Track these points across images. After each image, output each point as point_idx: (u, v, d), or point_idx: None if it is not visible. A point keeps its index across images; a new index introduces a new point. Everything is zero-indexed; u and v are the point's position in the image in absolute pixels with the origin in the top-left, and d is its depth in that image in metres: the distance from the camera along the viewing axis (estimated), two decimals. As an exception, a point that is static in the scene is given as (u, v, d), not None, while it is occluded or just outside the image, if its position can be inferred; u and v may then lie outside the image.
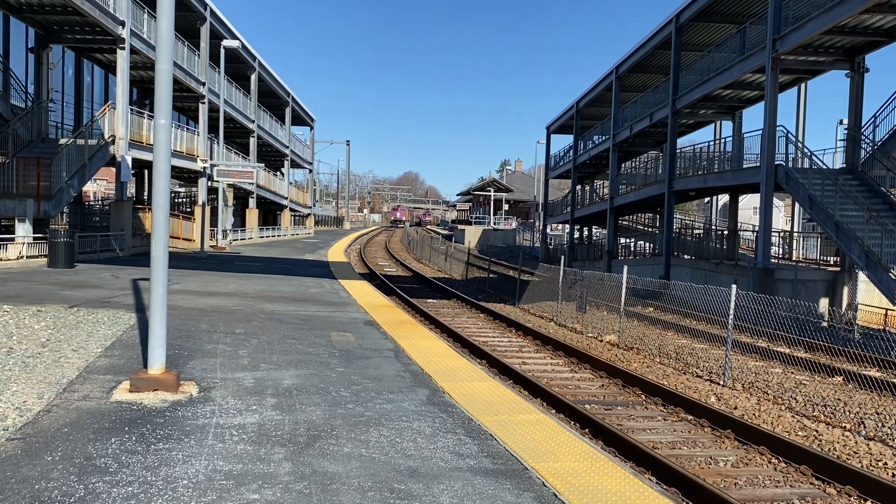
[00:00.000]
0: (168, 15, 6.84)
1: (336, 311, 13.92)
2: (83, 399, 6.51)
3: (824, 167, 23.99)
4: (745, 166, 26.61)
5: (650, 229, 43.22)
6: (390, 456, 5.41)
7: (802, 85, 30.91)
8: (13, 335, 9.32)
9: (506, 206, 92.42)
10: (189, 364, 8.15)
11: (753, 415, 10.08)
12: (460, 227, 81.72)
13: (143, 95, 37.21)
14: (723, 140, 33.11)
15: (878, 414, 10.27)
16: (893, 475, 7.83)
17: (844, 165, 24.88)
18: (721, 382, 12.14)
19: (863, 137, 24.02)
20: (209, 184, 33.80)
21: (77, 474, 4.66)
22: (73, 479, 4.58)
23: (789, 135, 24.91)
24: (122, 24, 25.16)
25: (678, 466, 7.27)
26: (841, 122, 35.29)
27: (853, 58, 24.12)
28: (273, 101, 52.73)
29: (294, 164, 60.01)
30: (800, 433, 9.30)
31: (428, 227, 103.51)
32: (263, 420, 6.14)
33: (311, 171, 70.05)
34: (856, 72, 24.42)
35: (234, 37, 38.02)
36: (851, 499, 7.11)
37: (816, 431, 9.34)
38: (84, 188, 32.54)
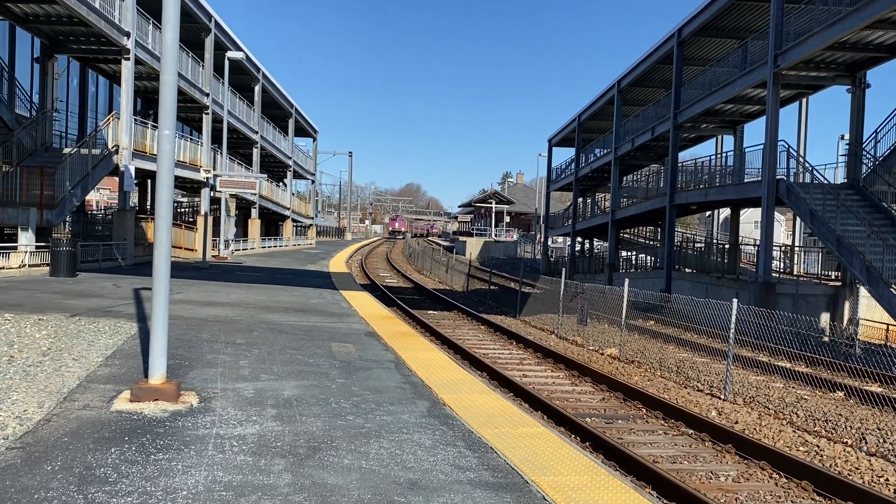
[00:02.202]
0: (173, 27, 6.90)
1: (337, 321, 13.92)
2: (83, 408, 6.51)
3: (825, 182, 24.04)
4: (746, 180, 26.65)
5: (651, 242, 43.24)
6: (390, 468, 5.40)
7: (804, 100, 31.01)
8: (14, 344, 9.32)
9: (507, 218, 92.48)
10: (190, 374, 8.15)
11: (754, 429, 10.05)
12: (462, 238, 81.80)
13: (147, 106, 37.38)
14: (724, 154, 33.23)
15: (879, 429, 10.24)
16: (895, 491, 7.79)
17: (846, 180, 24.91)
18: (722, 397, 12.11)
19: (864, 153, 24.06)
20: (212, 194, 33.88)
21: (77, 484, 4.65)
22: (72, 488, 4.57)
23: (790, 149, 24.97)
24: (128, 35, 25.31)
25: (679, 481, 7.25)
26: (842, 138, 35.35)
27: (854, 73, 24.19)
28: (276, 112, 52.94)
29: (297, 175, 60.17)
30: (801, 448, 9.28)
31: (429, 238, 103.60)
32: (263, 431, 6.13)
33: (313, 181, 70.23)
34: (857, 87, 24.49)
35: (239, 48, 38.23)
36: (853, 515, 7.08)
37: (818, 447, 9.32)
38: (87, 197, 32.63)
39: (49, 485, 4.61)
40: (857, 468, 8.51)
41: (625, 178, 44.82)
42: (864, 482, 7.98)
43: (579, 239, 52.29)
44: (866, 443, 9.58)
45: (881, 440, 9.71)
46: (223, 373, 8.36)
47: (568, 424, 9.53)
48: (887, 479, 8.12)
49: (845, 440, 9.71)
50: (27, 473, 4.79)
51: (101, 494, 4.50)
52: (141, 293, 15.71)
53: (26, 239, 20.94)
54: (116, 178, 26.68)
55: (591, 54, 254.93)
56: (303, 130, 63.22)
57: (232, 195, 36.53)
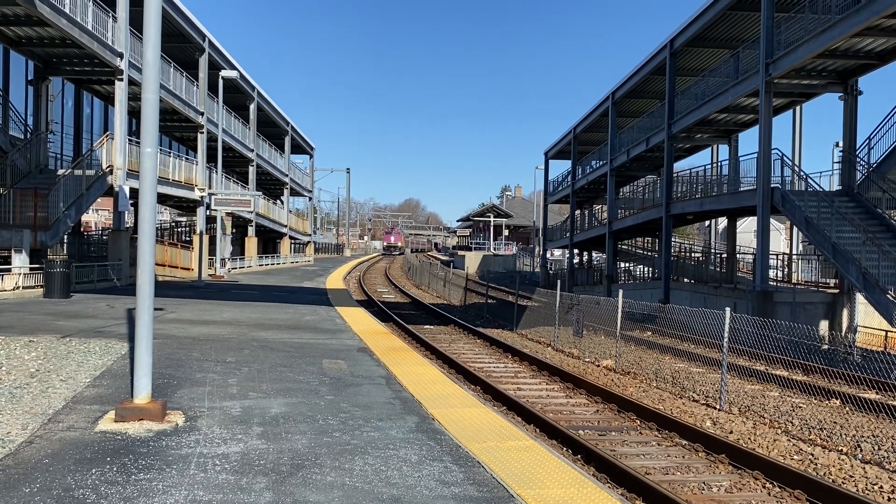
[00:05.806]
0: (154, 46, 6.91)
1: (330, 338, 13.85)
2: (67, 429, 6.45)
3: (820, 189, 24.05)
4: (741, 189, 26.69)
5: (650, 253, 43.23)
6: (374, 485, 5.35)
7: (797, 108, 31.07)
8: (2, 365, 9.27)
9: (506, 232, 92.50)
10: (177, 393, 8.10)
11: (749, 439, 9.98)
12: (460, 252, 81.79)
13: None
14: (719, 164, 33.27)
15: (874, 437, 10.17)
16: (889, 499, 7.72)
17: (840, 188, 24.93)
18: (717, 407, 12.04)
19: (858, 159, 24.09)
20: (208, 213, 33.90)
21: (53, 506, 4.60)
22: (48, 511, 4.52)
23: (784, 158, 25.02)
24: (121, 55, 25.42)
25: (669, 492, 7.17)
26: (837, 145, 35.42)
27: (846, 81, 24.28)
28: (272, 129, 53.09)
29: (294, 193, 60.23)
30: (795, 457, 9.20)
31: (427, 253, 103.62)
32: (248, 449, 6.08)
33: (310, 198, 70.31)
34: (849, 94, 24.57)
35: (233, 67, 38.39)
36: (846, 524, 7.00)
37: (812, 455, 9.24)
38: (86, 218, 32.66)
39: (25, 507, 4.56)
40: (851, 476, 8.44)
41: (621, 190, 44.88)
42: (857, 490, 7.91)
43: (577, 251, 52.28)
44: (861, 450, 9.51)
45: (876, 447, 9.63)
46: (211, 391, 8.30)
47: (560, 437, 9.46)
48: (881, 487, 8.05)
49: (840, 448, 9.64)
50: (4, 496, 4.74)
51: (77, 516, 4.45)
52: (134, 313, 15.63)
53: (20, 261, 20.91)
54: (112, 199, 26.70)
55: (588, 63, 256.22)
56: (299, 148, 63.39)
57: (228, 213, 36.59)
